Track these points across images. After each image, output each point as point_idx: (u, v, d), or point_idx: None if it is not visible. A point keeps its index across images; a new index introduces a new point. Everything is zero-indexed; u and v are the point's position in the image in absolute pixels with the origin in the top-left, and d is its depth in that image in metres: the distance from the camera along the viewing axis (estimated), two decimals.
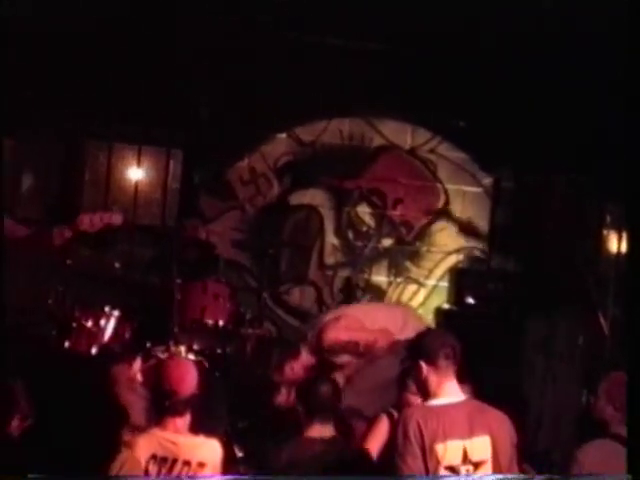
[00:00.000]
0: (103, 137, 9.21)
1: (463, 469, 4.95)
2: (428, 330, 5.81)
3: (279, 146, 9.38)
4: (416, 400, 5.52)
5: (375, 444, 5.68)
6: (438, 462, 4.85)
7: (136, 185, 9.27)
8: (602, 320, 8.35)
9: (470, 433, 4.92)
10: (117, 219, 6.89)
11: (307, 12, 8.53)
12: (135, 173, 9.30)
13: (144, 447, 4.93)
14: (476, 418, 4.97)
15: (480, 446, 4.94)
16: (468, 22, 8.38)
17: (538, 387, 8.41)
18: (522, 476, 5.00)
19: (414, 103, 9.17)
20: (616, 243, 8.92)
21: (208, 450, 5.09)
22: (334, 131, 9.39)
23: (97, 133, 9.20)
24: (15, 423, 5.26)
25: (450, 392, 5.01)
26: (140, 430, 5.23)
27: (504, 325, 8.49)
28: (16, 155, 8.70)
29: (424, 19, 8.43)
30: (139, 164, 9.28)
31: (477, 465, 4.95)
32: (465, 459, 4.93)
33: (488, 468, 4.96)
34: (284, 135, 9.36)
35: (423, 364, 4.93)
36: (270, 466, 5.90)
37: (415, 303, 9.32)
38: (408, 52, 8.88)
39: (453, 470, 4.93)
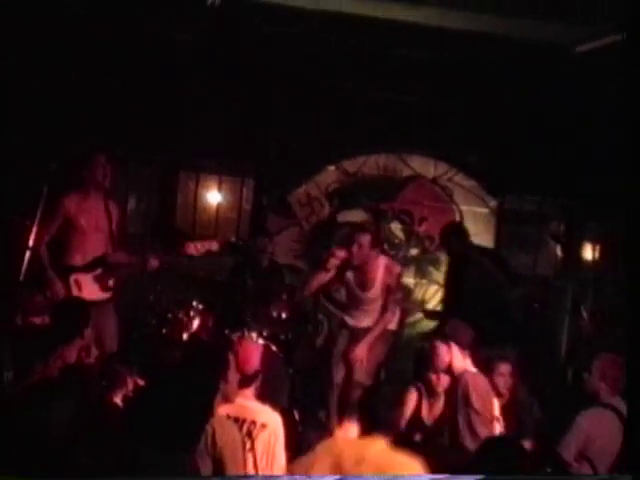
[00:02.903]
0: (193, 169, 9.75)
1: None
2: None
3: (329, 176, 9.82)
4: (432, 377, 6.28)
5: (406, 412, 6.26)
6: None
7: (217, 207, 9.82)
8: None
9: None
10: (215, 246, 7.53)
11: (356, 67, 8.97)
12: (216, 197, 9.85)
13: (223, 409, 5.24)
14: None
15: None
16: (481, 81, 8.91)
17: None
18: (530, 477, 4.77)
19: (438, 142, 9.67)
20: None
21: (270, 415, 5.42)
22: (372, 164, 9.79)
23: (188, 166, 9.74)
24: (120, 396, 5.57)
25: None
26: (225, 399, 5.40)
27: None
28: (125, 182, 9.28)
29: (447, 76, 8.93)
30: (219, 190, 9.83)
31: None
32: None
33: None
34: (333, 167, 9.81)
35: None
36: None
37: (436, 300, 9.72)
38: (432, 101, 9.37)
39: None
